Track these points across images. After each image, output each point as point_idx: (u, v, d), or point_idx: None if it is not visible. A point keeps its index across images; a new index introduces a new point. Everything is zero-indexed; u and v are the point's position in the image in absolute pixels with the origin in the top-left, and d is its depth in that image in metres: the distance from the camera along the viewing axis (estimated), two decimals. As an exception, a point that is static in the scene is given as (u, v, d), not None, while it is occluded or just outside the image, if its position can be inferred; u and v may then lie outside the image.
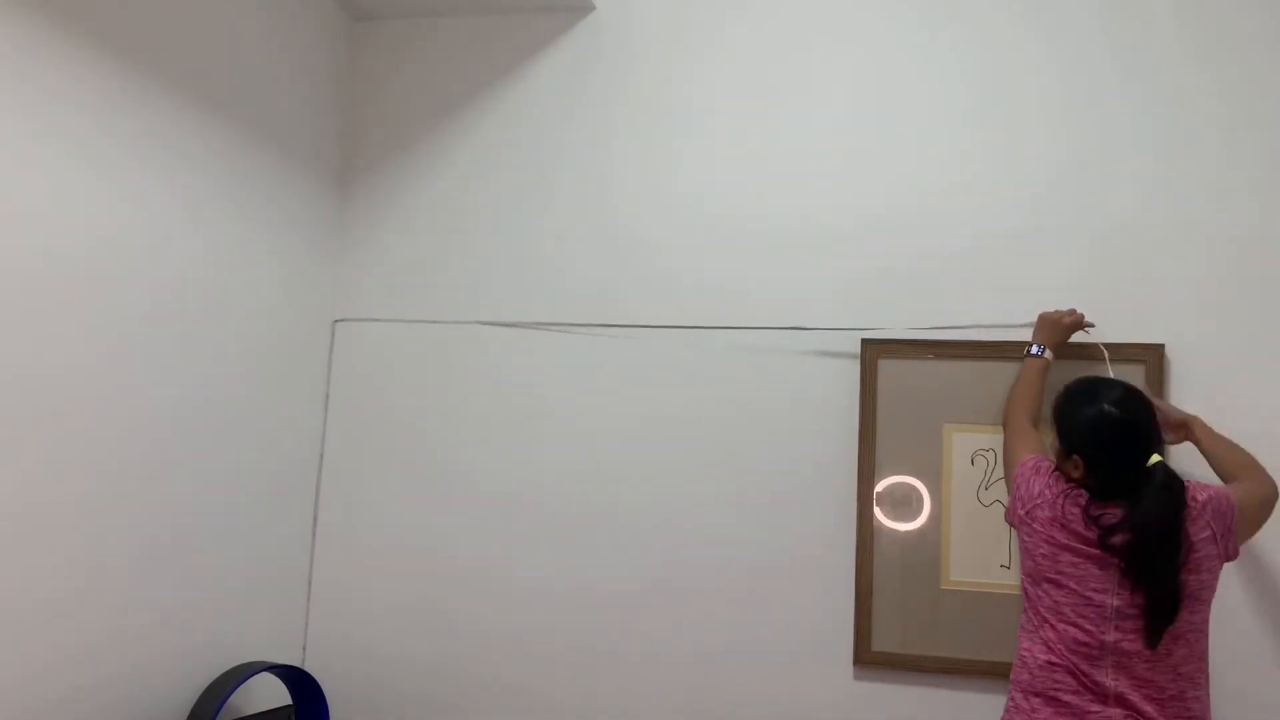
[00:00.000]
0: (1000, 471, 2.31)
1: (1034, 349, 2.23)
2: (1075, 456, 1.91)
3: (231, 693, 2.24)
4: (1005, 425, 2.20)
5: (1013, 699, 1.90)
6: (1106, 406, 1.88)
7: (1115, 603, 1.81)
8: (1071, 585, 1.85)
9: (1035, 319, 2.27)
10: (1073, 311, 2.26)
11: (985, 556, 2.31)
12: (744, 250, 2.56)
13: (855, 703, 2.35)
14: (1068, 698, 1.81)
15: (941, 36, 2.52)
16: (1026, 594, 1.94)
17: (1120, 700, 1.79)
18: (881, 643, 2.34)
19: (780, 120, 2.59)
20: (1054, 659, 1.84)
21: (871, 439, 2.40)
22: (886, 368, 2.42)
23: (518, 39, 2.79)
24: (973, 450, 2.35)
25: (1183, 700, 1.79)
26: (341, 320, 2.81)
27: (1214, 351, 2.26)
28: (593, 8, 2.74)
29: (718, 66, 2.65)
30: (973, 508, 2.33)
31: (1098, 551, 1.83)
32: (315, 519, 2.75)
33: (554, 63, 2.76)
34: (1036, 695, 1.85)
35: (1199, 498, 1.85)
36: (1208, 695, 1.85)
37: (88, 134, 1.98)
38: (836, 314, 2.48)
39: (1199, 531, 1.82)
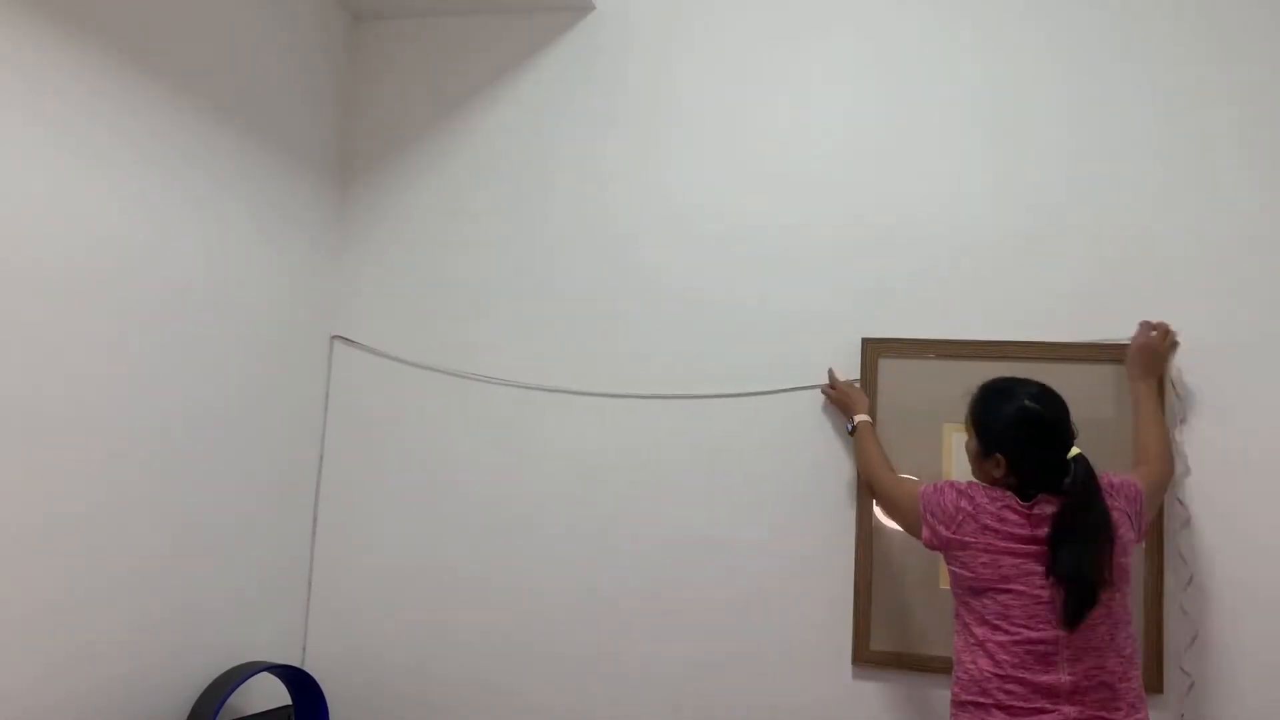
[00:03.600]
0: None
1: (849, 426, 2.36)
2: (997, 455, 1.90)
3: (231, 693, 2.24)
4: (873, 487, 2.26)
5: (964, 708, 1.85)
6: (1027, 403, 1.88)
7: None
8: (1018, 586, 1.83)
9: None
10: None
11: (984, 556, 2.31)
12: (745, 250, 2.56)
13: (854, 702, 2.35)
14: (1018, 704, 1.79)
15: (946, 39, 2.52)
16: (967, 606, 1.90)
17: (1073, 695, 1.78)
18: (880, 642, 2.34)
19: (781, 123, 2.59)
20: (998, 670, 1.81)
21: (871, 439, 2.40)
22: (886, 368, 2.42)
23: (518, 39, 2.79)
24: (972, 450, 2.35)
25: (1128, 680, 1.82)
26: (340, 327, 2.81)
27: (1218, 354, 2.26)
28: (593, 7, 2.75)
29: (719, 67, 2.65)
30: (972, 507, 2.33)
31: (1036, 548, 1.83)
32: (315, 521, 2.75)
33: (554, 62, 2.76)
34: (986, 703, 1.82)
35: (1114, 482, 1.91)
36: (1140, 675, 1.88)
37: (88, 134, 1.97)
38: (837, 314, 2.48)
39: (1119, 517, 1.86)
